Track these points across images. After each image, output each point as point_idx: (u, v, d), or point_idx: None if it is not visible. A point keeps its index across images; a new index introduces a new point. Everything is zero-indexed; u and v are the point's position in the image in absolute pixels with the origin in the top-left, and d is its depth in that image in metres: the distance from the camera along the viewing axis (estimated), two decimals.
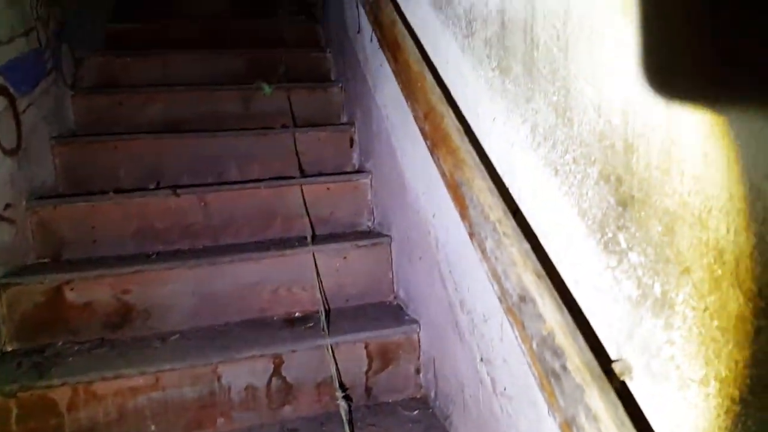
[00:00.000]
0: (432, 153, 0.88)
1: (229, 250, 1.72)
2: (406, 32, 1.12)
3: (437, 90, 0.92)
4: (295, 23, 2.87)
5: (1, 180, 1.61)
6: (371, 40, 1.72)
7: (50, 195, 1.90)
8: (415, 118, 0.97)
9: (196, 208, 1.86)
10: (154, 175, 2.04)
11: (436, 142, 0.85)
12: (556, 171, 0.74)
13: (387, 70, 1.55)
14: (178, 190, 1.83)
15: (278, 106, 2.35)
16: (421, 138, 1.06)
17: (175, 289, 1.63)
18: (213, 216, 1.87)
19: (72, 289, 1.57)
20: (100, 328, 1.59)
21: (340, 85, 2.39)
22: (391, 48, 1.13)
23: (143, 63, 2.49)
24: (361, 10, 1.83)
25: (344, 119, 2.38)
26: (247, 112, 2.35)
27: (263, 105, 2.35)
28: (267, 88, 2.32)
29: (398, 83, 1.09)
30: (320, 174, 2.06)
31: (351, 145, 2.18)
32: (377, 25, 1.26)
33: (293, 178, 1.97)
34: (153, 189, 1.90)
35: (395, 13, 1.20)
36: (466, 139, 0.81)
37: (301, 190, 1.89)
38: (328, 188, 1.93)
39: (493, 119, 0.87)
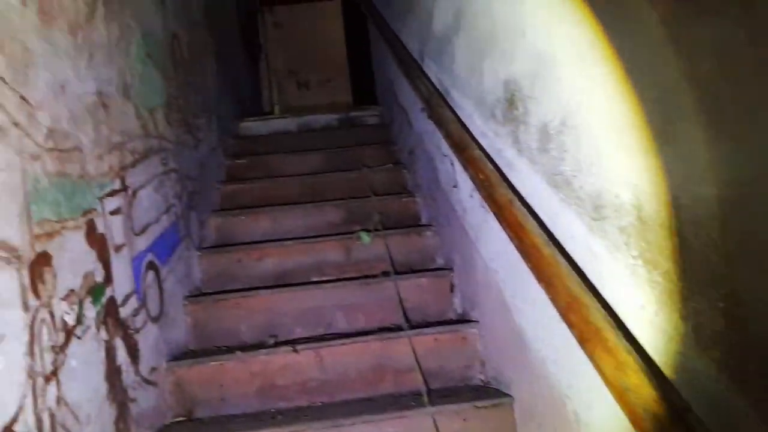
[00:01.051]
0: (582, 345, 0.93)
1: (348, 410, 1.79)
2: (526, 211, 1.24)
3: (575, 276, 1.00)
4: (382, 171, 3.14)
5: (149, 346, 1.81)
6: (471, 196, 1.88)
7: (183, 353, 2.09)
8: (552, 300, 1.05)
9: (312, 364, 1.97)
10: (270, 328, 2.21)
11: (586, 336, 0.92)
12: None
13: (492, 226, 1.67)
14: (297, 347, 1.97)
15: (377, 252, 2.53)
16: (544, 303, 1.14)
17: None
18: (328, 370, 1.98)
19: None
20: None
21: (434, 229, 2.55)
22: (512, 227, 1.25)
23: (255, 221, 2.78)
24: (457, 167, 2.03)
25: (439, 262, 2.51)
26: (349, 260, 2.53)
27: (363, 252, 2.54)
28: (366, 237, 2.51)
29: (525, 262, 1.18)
30: (426, 323, 2.15)
31: (451, 290, 2.28)
32: (491, 201, 1.39)
33: (400, 329, 2.07)
34: (273, 345, 2.05)
35: (510, 191, 1.34)
36: (622, 337, 0.87)
37: (410, 343, 1.98)
38: (435, 339, 2.01)
39: (642, 307, 0.93)
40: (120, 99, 1.78)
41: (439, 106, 1.92)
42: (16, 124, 1.16)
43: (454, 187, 2.05)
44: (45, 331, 1.19)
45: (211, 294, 2.38)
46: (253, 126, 3.95)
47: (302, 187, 3.11)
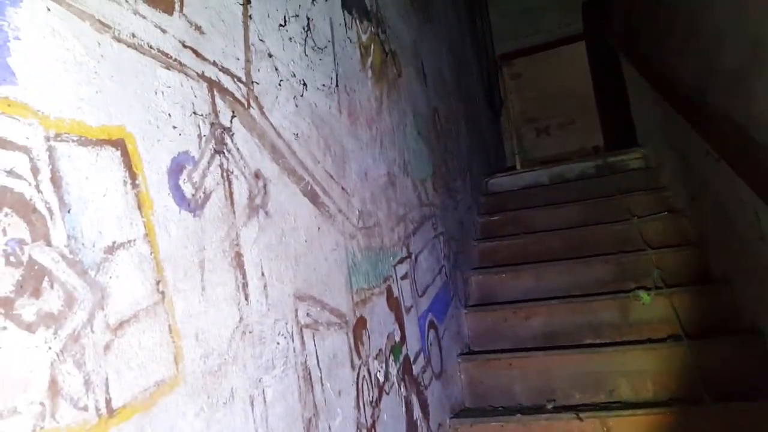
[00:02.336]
0: None
1: None
2: None
3: None
4: (656, 220, 2.86)
5: (435, 402, 1.92)
6: None
7: (461, 410, 2.16)
8: None
9: None
10: (545, 390, 2.15)
11: None
12: None
13: None
14: (581, 414, 1.86)
15: (661, 313, 2.28)
16: None
17: None
18: None
19: None
20: None
21: (732, 286, 2.20)
22: None
23: (516, 278, 2.79)
24: (763, 216, 1.73)
25: (744, 324, 2.14)
26: (626, 321, 2.33)
27: (643, 313, 2.31)
28: (646, 297, 2.29)
29: None
30: (730, 396, 1.84)
31: (763, 359, 1.91)
32: None
33: (701, 403, 1.80)
34: (553, 410, 1.98)
35: None
36: None
37: (716, 418, 1.70)
38: (749, 415, 1.69)
39: None
40: (402, 175, 2.01)
41: (735, 149, 1.69)
42: (340, 211, 1.40)
43: (761, 239, 1.75)
44: (365, 387, 1.36)
45: (482, 353, 2.43)
46: (502, 181, 4.02)
47: (562, 242, 3.02)
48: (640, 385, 2.03)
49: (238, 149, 0.99)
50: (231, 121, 0.99)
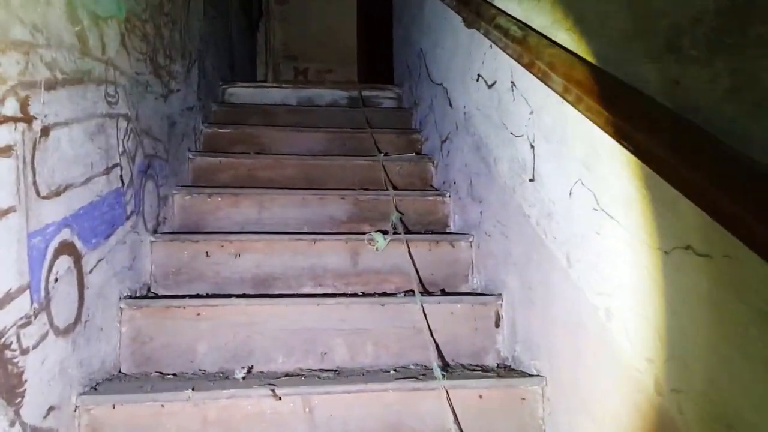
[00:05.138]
0: None
1: None
2: None
3: None
4: (403, 162, 2.51)
5: (45, 375, 1.14)
6: (570, 193, 1.26)
7: (108, 379, 1.43)
8: None
9: (299, 416, 1.32)
10: (241, 354, 1.56)
11: None
12: None
13: (611, 243, 1.09)
14: (277, 390, 1.32)
15: (393, 263, 1.89)
16: None
17: None
18: (320, 429, 1.33)
19: None
20: None
21: (471, 239, 1.93)
22: None
23: (234, 204, 2.13)
24: (542, 147, 1.41)
25: (476, 284, 1.89)
26: (355, 269, 1.89)
27: (374, 260, 1.90)
28: (381, 241, 1.88)
29: None
30: (465, 368, 1.52)
31: (497, 324, 1.66)
32: None
33: (429, 375, 1.44)
34: (243, 383, 1.40)
35: None
36: None
37: (447, 397, 1.34)
38: (480, 396, 1.37)
39: None
40: None
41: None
42: None
43: (531, 180, 1.43)
44: None
45: (163, 297, 1.72)
46: (244, 93, 3.28)
47: (299, 171, 2.46)
48: (359, 349, 1.60)
49: None
50: None
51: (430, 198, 2.25)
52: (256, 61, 6.10)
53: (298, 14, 7.65)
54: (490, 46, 1.72)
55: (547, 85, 1.21)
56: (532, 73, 1.31)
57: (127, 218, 1.63)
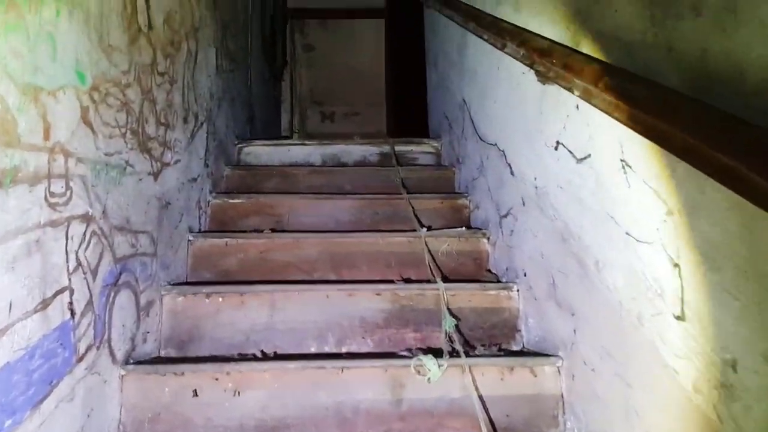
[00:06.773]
0: None
1: None
2: None
3: None
4: (449, 236, 2.02)
5: None
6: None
7: None
8: None
9: None
10: None
11: None
12: None
13: None
14: None
15: (451, 398, 1.37)
16: None
17: None
18: None
19: None
20: None
21: (559, 363, 1.40)
22: None
23: (240, 306, 1.66)
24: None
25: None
26: (398, 410, 1.37)
27: (425, 394, 1.38)
28: (434, 369, 1.36)
29: None
30: None
31: None
32: None
33: None
34: None
35: None
36: None
37: None
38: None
39: None
40: None
41: None
42: None
43: (678, 318, 0.92)
44: None
45: None
46: (262, 152, 2.86)
47: (322, 251, 1.99)
48: None
49: None
50: None
51: (492, 292, 1.73)
52: (280, 108, 5.77)
53: (324, 59, 7.39)
54: (577, 106, 1.24)
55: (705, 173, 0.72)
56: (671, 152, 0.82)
57: (80, 360, 1.16)
